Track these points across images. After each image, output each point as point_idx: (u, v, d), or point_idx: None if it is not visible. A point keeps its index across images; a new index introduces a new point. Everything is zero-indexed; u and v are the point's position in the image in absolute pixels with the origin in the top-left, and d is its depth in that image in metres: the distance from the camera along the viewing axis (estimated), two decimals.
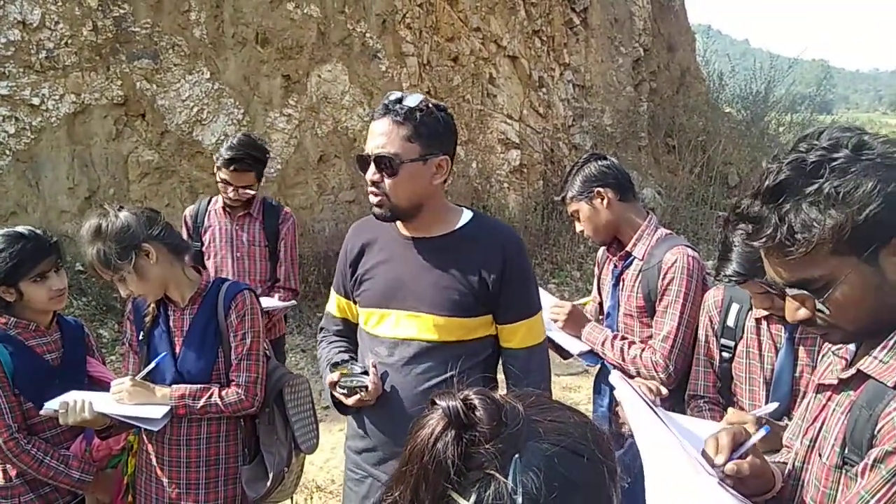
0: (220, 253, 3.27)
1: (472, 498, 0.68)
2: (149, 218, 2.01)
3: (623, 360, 2.24)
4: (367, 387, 1.76)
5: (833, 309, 1.05)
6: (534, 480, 0.68)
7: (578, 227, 2.39)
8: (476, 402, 0.73)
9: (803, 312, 1.08)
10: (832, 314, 1.06)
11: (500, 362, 1.89)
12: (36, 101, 6.06)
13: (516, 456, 0.69)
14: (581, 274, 8.56)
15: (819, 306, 1.05)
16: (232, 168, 3.11)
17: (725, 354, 2.02)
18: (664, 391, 2.05)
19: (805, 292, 1.06)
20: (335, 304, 2.03)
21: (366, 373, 1.78)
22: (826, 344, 1.23)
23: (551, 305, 2.40)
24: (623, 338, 2.29)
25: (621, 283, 2.35)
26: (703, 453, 1.17)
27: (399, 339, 1.80)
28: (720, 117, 12.01)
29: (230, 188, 3.16)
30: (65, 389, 2.02)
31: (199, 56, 6.84)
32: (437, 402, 0.74)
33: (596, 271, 2.59)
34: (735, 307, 2.02)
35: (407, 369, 1.79)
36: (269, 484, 2.02)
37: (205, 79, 6.87)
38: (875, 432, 0.99)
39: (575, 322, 2.36)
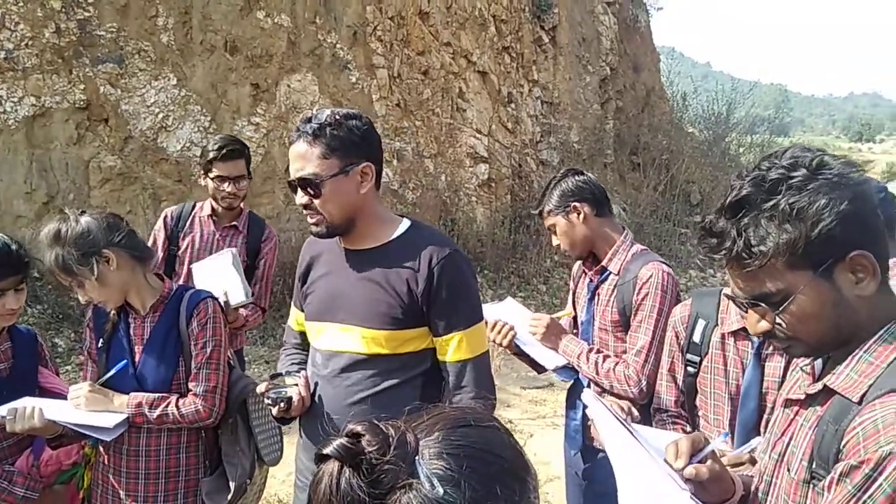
0: (197, 259, 3.16)
1: None
2: (110, 224, 1.95)
3: (597, 373, 2.26)
4: (290, 398, 1.78)
5: (790, 322, 1.08)
6: (443, 467, 0.70)
7: (555, 240, 2.41)
8: (358, 430, 0.73)
9: (763, 325, 1.11)
10: (790, 327, 1.08)
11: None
12: None
13: (416, 457, 0.70)
14: (547, 288, 8.63)
15: (777, 319, 1.08)
16: (224, 155, 3.02)
17: (690, 369, 2.03)
18: (635, 413, 2.07)
19: (763, 305, 1.08)
20: (294, 317, 2.05)
21: (296, 384, 1.82)
22: (794, 359, 1.25)
23: (530, 318, 2.41)
24: (598, 351, 2.31)
25: (596, 298, 2.36)
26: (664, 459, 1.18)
27: (332, 351, 1.81)
28: (683, 137, 12.30)
29: (226, 183, 3.04)
30: (13, 400, 1.93)
31: (166, 62, 6.73)
32: (323, 452, 0.73)
33: (571, 285, 2.60)
34: (701, 323, 2.04)
35: (338, 381, 1.79)
36: (230, 496, 1.96)
37: (171, 85, 6.76)
38: (841, 447, 1.01)
39: (553, 334, 2.37)
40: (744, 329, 1.88)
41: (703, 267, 10.25)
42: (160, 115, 6.71)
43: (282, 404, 1.78)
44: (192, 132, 6.87)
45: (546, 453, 4.45)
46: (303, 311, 1.95)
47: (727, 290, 1.70)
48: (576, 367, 2.31)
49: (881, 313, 1.07)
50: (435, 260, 1.74)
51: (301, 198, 1.74)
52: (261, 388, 1.82)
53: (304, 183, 1.71)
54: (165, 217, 3.26)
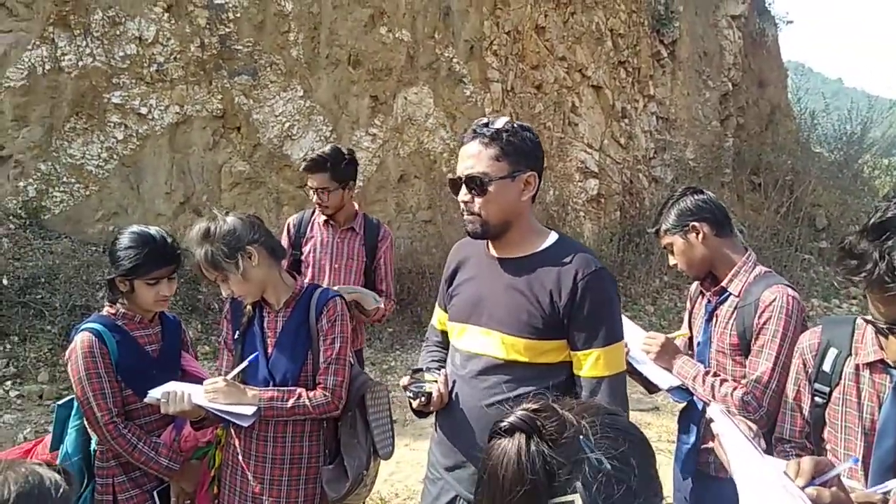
0: (320, 263, 3.41)
1: (578, 485, 0.72)
2: (252, 223, 2.12)
3: (714, 396, 2.19)
4: (430, 393, 1.86)
5: None
6: (608, 445, 0.75)
7: (672, 260, 2.36)
8: (534, 406, 0.78)
9: None
10: None
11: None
12: (144, 110, 6.48)
13: (580, 437, 0.75)
14: (655, 309, 8.37)
15: None
16: (307, 167, 3.28)
17: (819, 400, 1.93)
18: (754, 427, 1.99)
19: None
20: (437, 317, 2.14)
21: (436, 380, 1.90)
22: None
23: (645, 336, 2.38)
24: (715, 374, 2.24)
25: (714, 319, 2.29)
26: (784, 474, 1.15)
27: (472, 353, 1.87)
28: (810, 157, 11.58)
29: (312, 192, 3.31)
30: (162, 380, 2.13)
31: (295, 74, 7.15)
32: (506, 424, 0.77)
33: (688, 305, 2.54)
34: (833, 352, 1.94)
35: (475, 382, 1.84)
36: (348, 485, 2.07)
37: (298, 96, 7.17)
38: None
39: (668, 354, 2.32)
40: (881, 361, 1.77)
41: (827, 296, 9.60)
42: (286, 125, 7.13)
43: (422, 398, 1.88)
44: (314, 141, 7.25)
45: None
46: (447, 311, 2.04)
47: (865, 316, 1.62)
48: (691, 388, 2.26)
49: None
50: (581, 275, 1.77)
51: (464, 195, 1.81)
52: (404, 382, 1.92)
53: (472, 180, 1.78)
54: (288, 225, 3.55)
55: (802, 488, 1.13)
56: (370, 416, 2.18)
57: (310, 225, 3.49)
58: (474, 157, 1.78)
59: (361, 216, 3.51)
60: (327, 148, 3.32)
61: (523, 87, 8.78)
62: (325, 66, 7.33)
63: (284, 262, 2.24)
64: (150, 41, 6.43)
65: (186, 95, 6.69)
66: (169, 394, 2.01)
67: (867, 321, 1.67)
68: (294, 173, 7.15)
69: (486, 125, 1.80)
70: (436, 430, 1.99)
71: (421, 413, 1.96)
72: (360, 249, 3.42)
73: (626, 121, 9.91)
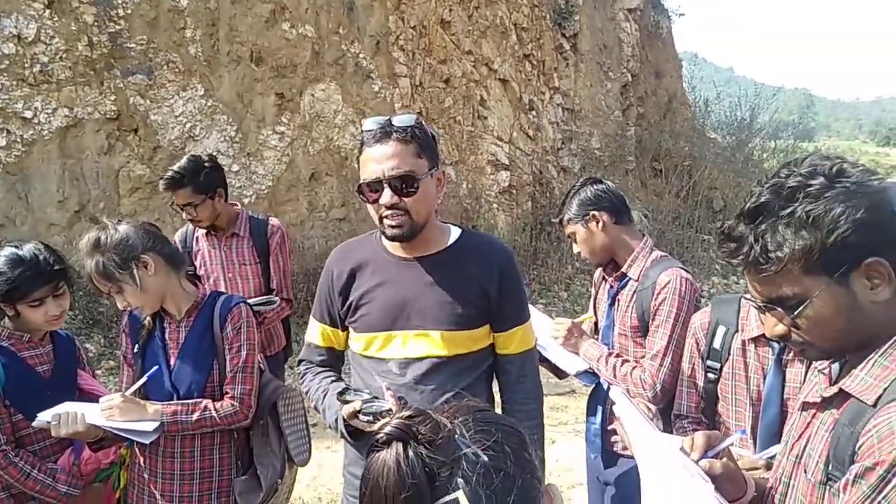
0: (213, 275, 3.27)
1: (461, 482, 0.73)
2: (146, 230, 2.03)
3: (615, 376, 2.29)
4: (391, 410, 1.71)
5: (806, 326, 1.11)
6: (482, 438, 0.78)
7: (575, 248, 2.45)
8: (407, 413, 0.80)
9: (780, 328, 1.14)
10: (805, 331, 1.12)
11: (495, 370, 1.93)
12: (28, 114, 6.06)
13: (456, 435, 0.77)
14: (568, 294, 8.63)
15: (793, 323, 1.11)
16: (165, 186, 3.10)
17: (711, 375, 2.06)
18: (653, 408, 2.09)
19: (779, 309, 1.12)
20: (318, 333, 1.97)
21: (375, 398, 1.75)
22: (813, 363, 1.28)
23: (552, 323, 2.45)
24: (618, 355, 2.34)
25: (616, 304, 2.39)
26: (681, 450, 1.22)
27: (410, 358, 1.80)
28: (705, 143, 12.22)
29: (180, 209, 3.15)
30: (56, 402, 2.01)
31: (194, 73, 6.88)
32: (381, 436, 0.78)
33: (592, 291, 2.64)
34: (721, 329, 2.06)
35: (420, 387, 1.79)
36: (262, 495, 2.02)
37: (198, 95, 6.91)
38: (856, 449, 1.03)
39: (575, 338, 2.40)
40: (764, 335, 1.90)
41: (726, 274, 10.17)
42: (188, 125, 6.86)
43: (381, 417, 1.67)
44: (218, 141, 7.02)
45: (568, 459, 4.46)
46: (335, 325, 1.93)
47: (745, 295, 1.74)
48: (595, 370, 2.35)
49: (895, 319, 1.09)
50: (500, 260, 1.86)
51: (390, 197, 1.71)
52: (354, 407, 1.70)
53: (401, 180, 1.70)
54: (174, 242, 3.30)
55: (696, 461, 1.20)
56: (283, 423, 2.13)
57: (194, 238, 3.33)
58: (397, 157, 1.71)
59: (245, 218, 3.34)
60: (184, 160, 3.14)
61: (431, 82, 8.81)
62: (225, 63, 7.10)
63: (184, 270, 2.15)
64: (30, 40, 6.01)
65: (76, 97, 6.31)
66: (60, 415, 1.90)
67: (746, 300, 1.79)
68: None
69: (391, 123, 1.75)
70: (358, 449, 1.86)
71: (357, 437, 1.80)
72: (251, 252, 3.28)
73: (534, 113, 10.13)
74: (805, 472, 1.15)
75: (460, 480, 0.73)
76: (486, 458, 0.75)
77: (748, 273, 1.13)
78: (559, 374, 2.46)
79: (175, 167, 3.10)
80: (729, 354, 2.03)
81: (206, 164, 3.14)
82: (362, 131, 1.81)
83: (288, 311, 3.42)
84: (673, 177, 10.71)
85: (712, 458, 1.21)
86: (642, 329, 2.29)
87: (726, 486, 1.22)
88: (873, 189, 1.08)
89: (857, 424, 1.05)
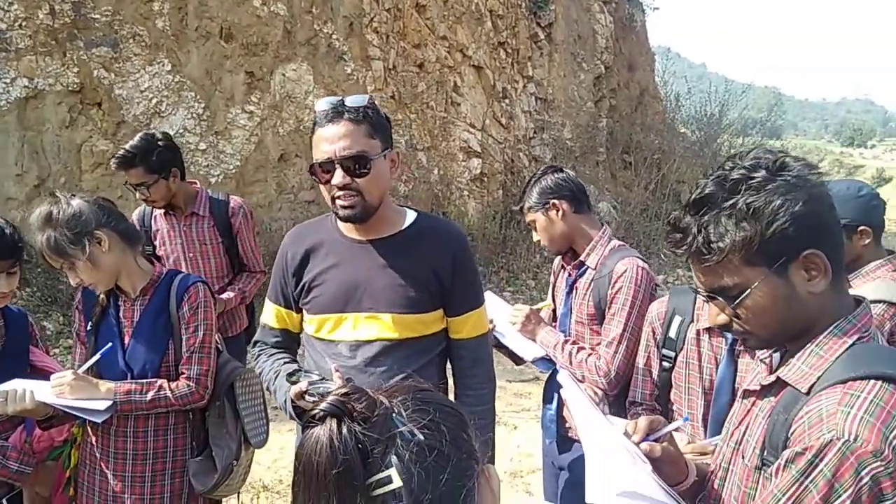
0: (173, 255, 3.20)
1: (394, 460, 0.74)
2: (101, 206, 1.99)
3: (570, 363, 2.32)
4: None
5: (745, 315, 1.14)
6: (418, 417, 0.78)
7: (535, 236, 2.47)
8: (343, 390, 0.80)
9: (722, 318, 1.17)
10: (745, 321, 1.15)
11: (450, 357, 1.95)
12: None
13: (393, 414, 0.78)
14: (536, 283, 8.69)
15: (734, 312, 1.14)
16: (116, 167, 3.00)
17: (666, 364, 2.10)
18: (599, 393, 2.13)
19: (721, 298, 1.15)
20: (273, 314, 1.97)
21: (323, 379, 1.75)
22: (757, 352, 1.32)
23: (511, 309, 2.46)
24: (574, 343, 2.37)
25: (574, 291, 2.42)
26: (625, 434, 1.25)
27: (361, 340, 1.81)
28: (675, 137, 12.39)
29: (136, 190, 3.04)
30: (5, 378, 1.96)
31: (161, 47, 6.73)
32: (316, 412, 0.78)
33: (551, 279, 2.66)
34: (677, 319, 2.10)
35: (370, 369, 1.80)
36: (217, 477, 2.01)
37: (165, 70, 6.76)
38: (789, 435, 1.07)
39: (532, 325, 2.42)
40: None
41: (690, 266, 10.35)
42: (154, 101, 6.71)
43: None
44: (185, 118, 6.89)
45: (530, 445, 4.52)
46: (289, 306, 1.93)
47: (692, 285, 1.77)
48: (552, 357, 2.38)
49: (832, 310, 1.13)
50: (455, 245, 1.86)
51: (342, 178, 1.70)
52: (301, 387, 1.71)
53: (353, 161, 1.70)
54: (132, 221, 3.21)
55: (637, 444, 1.23)
56: (240, 404, 2.11)
57: (152, 218, 3.25)
58: (349, 137, 1.70)
59: (205, 196, 3.25)
60: (136, 139, 3.03)
61: (405, 66, 8.74)
62: (194, 38, 6.95)
63: (140, 247, 2.11)
64: None
65: (36, 67, 6.13)
66: (7, 392, 1.86)
67: (692, 290, 1.83)
68: None
69: (343, 103, 1.74)
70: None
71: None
72: (212, 232, 3.21)
73: (507, 101, 10.14)
74: (743, 457, 1.18)
75: (394, 458, 0.74)
76: (421, 437, 0.76)
77: (692, 263, 1.16)
78: (516, 360, 2.49)
79: (127, 146, 3.00)
80: (684, 344, 2.07)
81: (160, 143, 3.05)
82: (315, 111, 1.79)
83: (262, 280, 3.37)
84: (643, 169, 10.83)
85: (653, 441, 1.25)
86: (599, 317, 2.32)
87: (667, 469, 1.25)
88: (813, 183, 1.11)
89: (791, 411, 1.08)
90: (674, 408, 2.09)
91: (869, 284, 2.24)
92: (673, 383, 2.09)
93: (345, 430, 0.74)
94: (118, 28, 6.47)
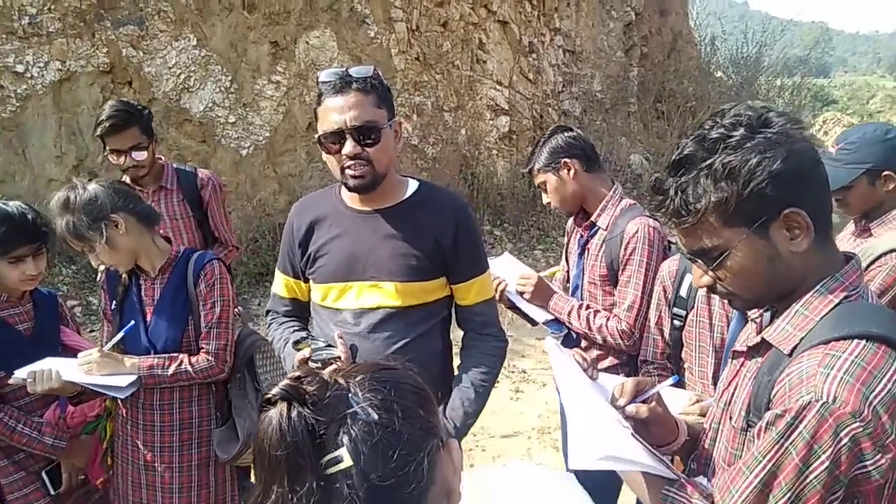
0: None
1: (345, 440, 0.77)
2: (116, 189, 2.05)
3: (590, 328, 2.32)
4: (339, 357, 1.79)
5: (727, 277, 1.13)
6: (373, 397, 0.80)
7: (545, 198, 2.45)
8: (296, 374, 0.83)
9: (706, 279, 1.16)
10: (727, 282, 1.14)
11: (457, 320, 2.00)
12: (20, 68, 6.03)
13: (349, 394, 0.80)
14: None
15: (717, 274, 1.13)
16: (109, 129, 2.85)
17: (677, 323, 2.09)
18: (590, 356, 2.15)
19: (701, 260, 1.13)
20: (282, 284, 2.03)
21: (329, 345, 1.82)
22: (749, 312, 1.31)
23: (519, 277, 2.46)
24: (588, 307, 2.36)
25: (586, 252, 2.41)
26: (612, 397, 1.26)
27: (364, 308, 1.85)
28: (711, 82, 11.97)
29: (122, 157, 2.90)
30: (37, 359, 2.06)
31: (186, 22, 6.78)
32: (269, 396, 0.81)
33: (564, 240, 2.65)
34: (689, 277, 2.08)
35: (374, 336, 1.85)
36: (239, 446, 2.10)
37: (191, 45, 6.82)
38: (771, 396, 1.06)
39: (541, 293, 2.43)
40: None
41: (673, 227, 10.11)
42: (182, 77, 6.79)
43: (337, 363, 1.79)
44: (213, 92, 6.96)
45: (557, 402, 4.56)
46: (297, 276, 1.99)
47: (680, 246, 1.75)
48: (566, 323, 2.38)
49: (818, 268, 1.11)
50: (456, 213, 1.89)
51: (353, 147, 1.72)
52: (304, 354, 1.78)
53: (363, 130, 1.72)
54: None
55: (624, 406, 1.24)
56: (260, 376, 2.20)
57: None
58: (358, 107, 1.72)
59: (171, 170, 3.13)
60: (116, 103, 2.94)
61: (429, 26, 8.61)
62: (217, 11, 6.97)
63: (158, 227, 2.17)
64: None
65: (68, 50, 6.25)
66: (35, 372, 1.96)
67: (679, 251, 1.80)
68: (195, 128, 6.88)
69: (348, 73, 1.75)
70: None
71: None
72: (182, 206, 3.09)
73: (534, 56, 9.92)
74: (730, 418, 1.19)
75: (345, 438, 0.76)
76: (375, 416, 0.78)
77: (674, 225, 1.15)
78: (531, 321, 2.50)
79: (112, 109, 2.90)
80: (695, 302, 2.06)
81: (139, 107, 3.02)
82: (319, 82, 1.80)
83: (235, 256, 3.38)
84: (676, 118, 10.53)
85: (641, 403, 1.26)
86: (611, 278, 2.31)
87: (655, 430, 1.26)
88: (795, 138, 1.08)
89: (774, 373, 1.08)
90: (685, 366, 2.09)
91: (892, 232, 2.17)
92: (684, 342, 2.08)
93: (294, 413, 0.77)
94: (143, 6, 6.53)
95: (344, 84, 1.74)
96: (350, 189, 1.83)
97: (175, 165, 3.22)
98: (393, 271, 1.83)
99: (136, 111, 2.95)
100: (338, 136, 1.74)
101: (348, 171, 1.77)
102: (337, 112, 1.73)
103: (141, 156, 2.93)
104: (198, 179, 3.18)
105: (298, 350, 1.80)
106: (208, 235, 3.23)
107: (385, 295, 1.84)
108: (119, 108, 2.91)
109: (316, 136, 1.81)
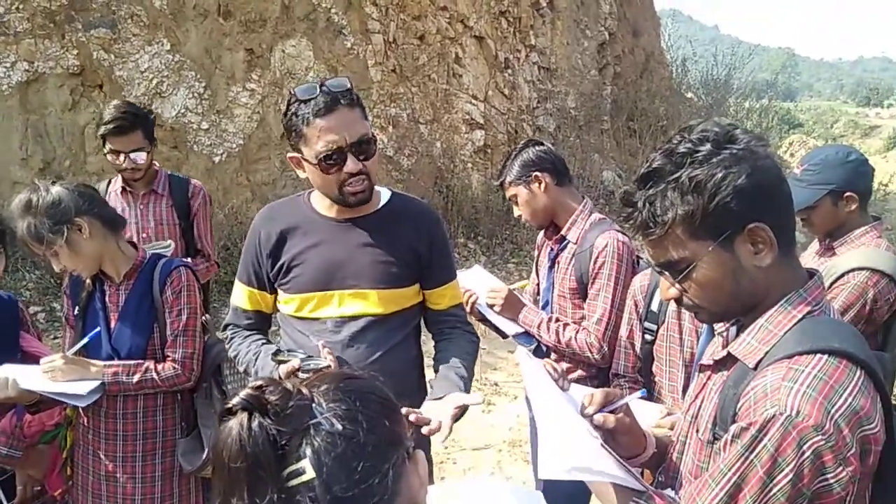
0: (126, 235, 3.07)
1: (308, 451, 0.75)
2: (81, 193, 2.00)
3: (559, 341, 2.33)
4: (329, 366, 1.73)
5: (693, 289, 1.14)
6: (337, 407, 0.79)
7: (516, 210, 2.46)
8: (259, 384, 0.81)
9: (673, 291, 1.18)
10: (693, 294, 1.15)
11: (428, 325, 2.03)
12: None
13: (312, 404, 0.78)
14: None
15: (683, 286, 1.14)
16: (114, 130, 2.86)
17: (648, 337, 2.11)
18: (561, 367, 2.15)
19: (668, 273, 1.15)
20: (244, 296, 1.95)
21: (310, 357, 1.75)
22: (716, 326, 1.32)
23: (488, 290, 2.46)
24: (557, 320, 2.37)
25: (556, 266, 2.42)
26: (581, 406, 1.27)
27: (346, 316, 1.83)
28: (682, 102, 12.21)
29: (121, 157, 2.91)
30: None
31: (159, 27, 6.71)
32: (230, 406, 0.79)
33: (535, 254, 2.67)
34: (659, 292, 2.11)
35: (356, 344, 1.83)
36: (205, 457, 2.05)
37: (165, 50, 6.74)
38: (737, 410, 1.08)
39: (511, 306, 2.43)
40: None
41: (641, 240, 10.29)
42: (154, 81, 6.71)
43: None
44: (186, 98, 6.88)
45: (528, 415, 4.56)
46: (262, 288, 1.92)
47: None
48: (536, 336, 2.39)
49: (782, 283, 1.12)
50: (429, 222, 1.95)
51: (355, 164, 1.72)
52: (293, 366, 1.69)
53: (363, 144, 1.73)
54: None
55: (591, 415, 1.25)
56: (226, 385, 2.16)
57: (107, 195, 3.08)
58: (356, 122, 1.72)
59: (164, 175, 3.15)
60: (121, 104, 2.95)
61: (406, 39, 8.65)
62: (192, 17, 6.91)
63: (124, 232, 2.13)
64: None
65: (36, 50, 6.14)
66: None
67: (647, 263, 1.82)
68: (167, 133, 6.78)
69: (335, 87, 1.73)
70: None
71: None
72: (170, 212, 3.10)
73: (510, 71, 10.02)
74: (697, 431, 1.20)
75: (308, 449, 0.75)
76: (339, 427, 0.76)
77: (641, 238, 1.16)
78: (501, 334, 2.50)
79: (119, 110, 2.90)
80: (665, 317, 2.08)
81: (144, 111, 3.03)
82: (296, 101, 1.73)
83: (215, 270, 3.38)
84: (647, 137, 10.71)
85: (608, 413, 1.26)
86: (580, 291, 2.32)
87: (623, 440, 1.27)
88: (760, 155, 1.10)
89: (740, 386, 1.09)
90: (656, 380, 2.11)
91: (854, 252, 2.23)
92: (655, 356, 2.10)
93: (255, 423, 0.75)
94: (115, 8, 6.45)
95: (333, 101, 1.70)
96: (351, 205, 1.81)
97: (169, 172, 3.24)
98: (374, 279, 1.83)
99: (142, 114, 2.97)
100: (339, 154, 1.71)
101: (348, 189, 1.76)
102: (333, 132, 1.70)
103: (141, 159, 2.95)
104: (190, 186, 3.20)
105: (279, 362, 1.74)
106: (191, 246, 3.22)
107: (367, 303, 1.84)
108: (126, 110, 2.93)
109: (315, 158, 1.71)
